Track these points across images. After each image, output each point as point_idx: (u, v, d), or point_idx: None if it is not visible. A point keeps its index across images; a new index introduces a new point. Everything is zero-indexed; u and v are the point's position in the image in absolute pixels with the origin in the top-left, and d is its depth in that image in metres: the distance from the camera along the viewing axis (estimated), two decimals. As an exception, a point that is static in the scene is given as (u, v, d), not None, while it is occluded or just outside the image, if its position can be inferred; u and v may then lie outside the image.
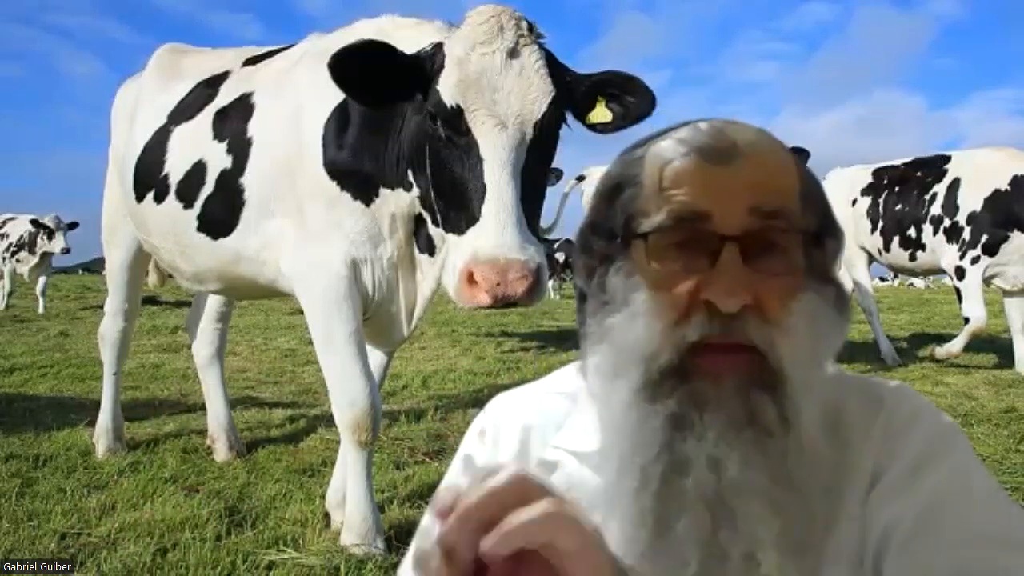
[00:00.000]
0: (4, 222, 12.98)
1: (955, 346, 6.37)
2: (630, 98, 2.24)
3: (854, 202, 7.43)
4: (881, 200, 7.20)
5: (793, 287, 0.72)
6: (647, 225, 0.74)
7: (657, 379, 0.71)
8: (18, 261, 12.63)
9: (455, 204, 2.13)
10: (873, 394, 0.81)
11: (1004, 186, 6.22)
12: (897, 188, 7.11)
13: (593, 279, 0.80)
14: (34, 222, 12.62)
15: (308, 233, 2.64)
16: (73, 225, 12.71)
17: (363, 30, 2.58)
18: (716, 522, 0.68)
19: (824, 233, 0.78)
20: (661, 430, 0.70)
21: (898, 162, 7.39)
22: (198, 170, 2.98)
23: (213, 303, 4.07)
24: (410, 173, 2.42)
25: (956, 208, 6.50)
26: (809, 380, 0.71)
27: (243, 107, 2.91)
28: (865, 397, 0.80)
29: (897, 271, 8.07)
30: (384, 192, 2.53)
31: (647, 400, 0.71)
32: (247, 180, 2.80)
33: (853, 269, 7.56)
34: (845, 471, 0.75)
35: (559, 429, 0.80)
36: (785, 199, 0.74)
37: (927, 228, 6.73)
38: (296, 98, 2.69)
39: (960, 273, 6.40)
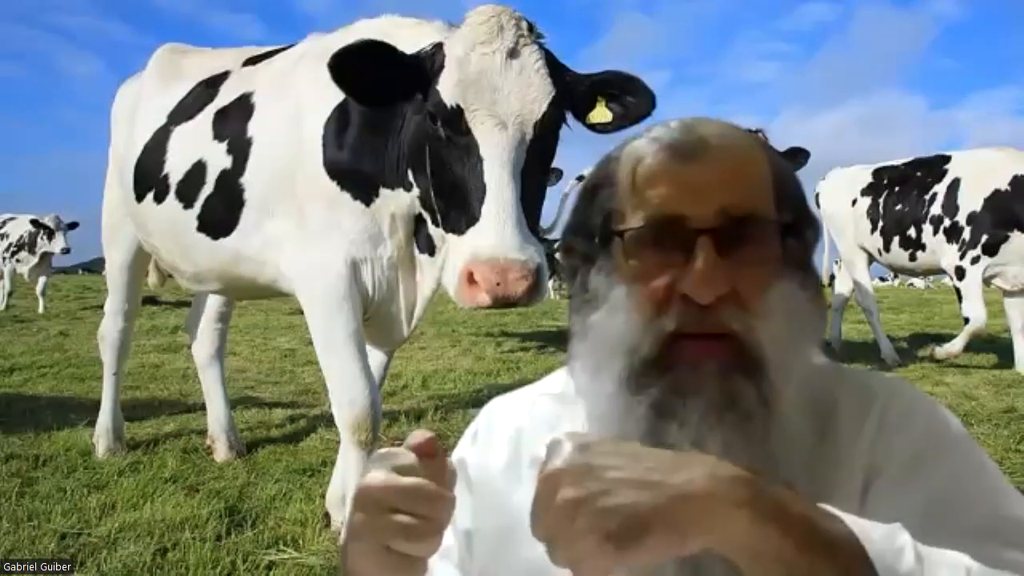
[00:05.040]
0: (4, 222, 12.98)
1: (955, 346, 6.36)
2: (630, 98, 2.25)
3: (854, 202, 7.43)
4: (881, 200, 7.19)
5: (768, 275, 0.74)
6: (623, 226, 0.77)
7: (640, 370, 0.73)
8: (18, 261, 12.62)
9: (455, 204, 2.14)
10: (868, 388, 0.81)
11: (1004, 186, 6.21)
12: (897, 188, 7.10)
13: (576, 279, 0.82)
14: (34, 222, 12.62)
15: (308, 233, 2.64)
16: (73, 225, 12.72)
17: (363, 30, 2.58)
18: None
19: (801, 223, 0.79)
20: (645, 418, 0.72)
21: (898, 162, 7.38)
22: (198, 170, 2.98)
23: (213, 303, 4.07)
24: (410, 173, 2.42)
25: (956, 208, 6.50)
26: (788, 364, 0.72)
27: (243, 107, 2.91)
28: (859, 391, 0.80)
29: (897, 271, 8.06)
30: (384, 192, 2.53)
31: (631, 391, 0.73)
32: (247, 180, 2.80)
33: (853, 269, 7.55)
34: (836, 464, 0.75)
35: (552, 430, 0.81)
36: (756, 194, 0.75)
37: (927, 228, 6.72)
38: (296, 98, 2.69)
39: (960, 273, 6.39)
